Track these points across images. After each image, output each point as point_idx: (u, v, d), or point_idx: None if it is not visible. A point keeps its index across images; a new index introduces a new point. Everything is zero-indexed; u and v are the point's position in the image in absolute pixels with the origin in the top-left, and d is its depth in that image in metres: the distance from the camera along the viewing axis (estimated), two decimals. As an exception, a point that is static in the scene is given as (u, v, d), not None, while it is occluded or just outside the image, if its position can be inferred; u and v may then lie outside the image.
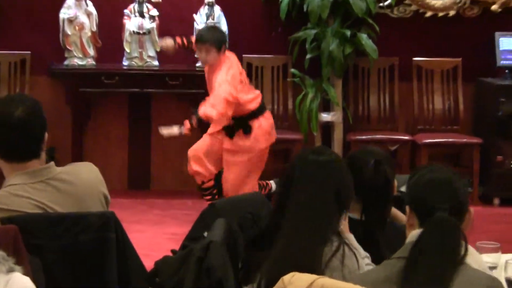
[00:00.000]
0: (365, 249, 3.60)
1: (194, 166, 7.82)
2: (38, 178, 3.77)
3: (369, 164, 3.95)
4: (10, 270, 2.81)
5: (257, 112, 7.71)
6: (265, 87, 9.13)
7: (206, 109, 7.47)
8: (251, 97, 7.69)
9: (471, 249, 3.17)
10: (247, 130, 7.66)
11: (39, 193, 3.74)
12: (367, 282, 3.05)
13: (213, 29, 8.08)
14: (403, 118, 9.34)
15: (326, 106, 8.97)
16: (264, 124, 7.70)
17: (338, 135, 9.01)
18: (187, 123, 7.53)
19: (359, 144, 8.66)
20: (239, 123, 7.70)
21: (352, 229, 3.68)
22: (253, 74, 9.10)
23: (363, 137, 8.89)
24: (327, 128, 9.03)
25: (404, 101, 9.29)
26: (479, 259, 3.27)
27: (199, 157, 7.86)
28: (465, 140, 8.97)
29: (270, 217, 3.63)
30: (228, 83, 7.50)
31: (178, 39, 7.95)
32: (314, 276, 3.00)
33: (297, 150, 8.74)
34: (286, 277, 3.00)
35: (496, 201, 8.69)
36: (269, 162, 8.70)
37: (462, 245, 3.01)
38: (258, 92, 7.90)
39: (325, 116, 8.90)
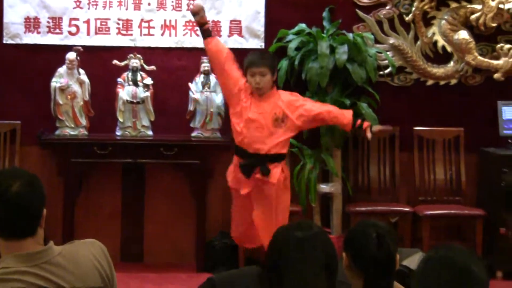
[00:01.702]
0: None
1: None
2: (33, 262, 3.62)
3: (372, 238, 3.87)
4: None
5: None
6: None
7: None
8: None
9: None
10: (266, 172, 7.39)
11: (32, 278, 3.60)
12: None
13: (266, 53, 8.08)
14: (404, 189, 9.23)
15: (325, 177, 8.85)
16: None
17: (337, 206, 8.89)
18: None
19: (359, 216, 8.61)
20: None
21: None
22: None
23: (363, 208, 8.76)
24: (326, 199, 8.91)
25: (405, 171, 9.24)
26: None
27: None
28: (467, 211, 8.83)
29: None
30: None
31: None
32: None
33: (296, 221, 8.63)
34: None
35: (499, 274, 8.58)
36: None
37: None
38: None
39: (324, 187, 8.79)
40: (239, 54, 8.49)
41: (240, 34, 8.98)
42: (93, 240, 3.91)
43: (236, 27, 8.98)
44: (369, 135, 7.53)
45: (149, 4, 8.92)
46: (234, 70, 7.51)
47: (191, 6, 7.84)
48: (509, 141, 8.89)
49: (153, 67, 8.68)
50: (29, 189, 3.64)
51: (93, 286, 3.70)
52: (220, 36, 8.87)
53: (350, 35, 8.69)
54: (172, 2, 8.94)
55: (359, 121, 7.49)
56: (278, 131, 7.33)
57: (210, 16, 8.76)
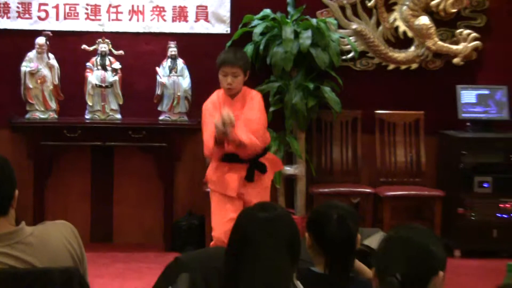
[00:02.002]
0: None
1: None
2: (4, 242, 3.69)
3: (333, 219, 3.98)
4: None
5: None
6: None
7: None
8: None
9: None
10: (264, 169, 7.25)
11: (4, 258, 3.67)
12: None
13: (240, 51, 7.75)
14: (365, 171, 9.35)
15: (289, 159, 8.98)
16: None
17: (301, 187, 9.01)
18: None
19: (322, 197, 8.73)
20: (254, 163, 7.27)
21: (316, 283, 3.82)
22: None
23: (326, 189, 8.88)
24: (290, 181, 9.04)
25: (367, 153, 9.32)
26: None
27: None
28: (427, 192, 8.99)
29: (225, 276, 3.51)
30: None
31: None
32: None
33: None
34: None
35: (457, 253, 8.70)
36: None
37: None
38: None
39: (288, 169, 8.89)
40: (206, 39, 9.06)
41: (206, 19, 9.07)
42: (63, 222, 3.93)
43: (202, 13, 9.05)
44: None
45: None
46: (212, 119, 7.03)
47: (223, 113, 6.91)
48: (468, 124, 9.04)
49: (121, 52, 8.77)
50: (1, 171, 3.69)
51: (64, 266, 3.73)
52: (186, 21, 9.06)
53: (314, 21, 8.80)
54: None
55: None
56: None
57: (177, 1, 9.04)
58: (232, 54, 7.46)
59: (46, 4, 8.95)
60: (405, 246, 3.16)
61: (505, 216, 8.86)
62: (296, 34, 8.65)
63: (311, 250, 4.03)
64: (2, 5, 8.95)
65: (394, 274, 3.06)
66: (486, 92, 9.23)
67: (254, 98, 7.23)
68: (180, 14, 9.04)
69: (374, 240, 4.93)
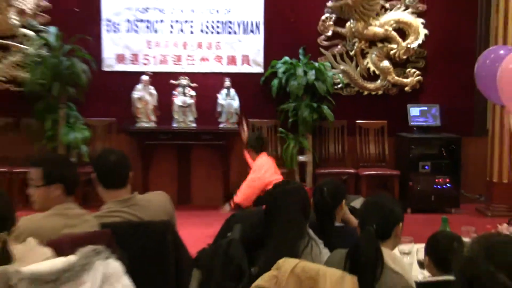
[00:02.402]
0: (320, 238, 3.77)
1: None
2: (125, 204, 3.91)
3: (318, 190, 4.21)
4: (108, 257, 2.85)
5: None
6: None
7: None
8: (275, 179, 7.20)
9: (394, 254, 3.31)
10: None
11: (125, 214, 3.89)
12: (329, 262, 3.34)
13: (254, 135, 7.88)
14: (350, 159, 9.76)
15: (302, 151, 9.45)
16: None
17: (309, 169, 9.52)
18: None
19: (323, 175, 9.23)
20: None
21: (313, 229, 3.81)
22: (255, 131, 9.28)
23: (325, 170, 9.43)
24: (303, 165, 9.51)
25: (351, 148, 9.76)
26: (401, 262, 3.28)
27: None
28: (389, 172, 9.52)
29: (263, 226, 3.70)
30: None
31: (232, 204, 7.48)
32: (296, 260, 3.19)
33: (284, 178, 8.65)
34: (279, 261, 3.19)
35: (409, 210, 9.06)
36: None
37: (379, 250, 3.10)
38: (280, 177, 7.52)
39: (301, 158, 9.46)
40: (248, 75, 9.64)
41: (248, 64, 9.65)
42: (161, 192, 4.24)
43: (246, 59, 9.64)
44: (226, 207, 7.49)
45: (192, 45, 9.58)
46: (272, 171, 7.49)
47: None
48: (414, 129, 9.54)
49: (195, 84, 9.35)
50: (121, 160, 3.97)
51: (162, 219, 3.96)
52: (235, 65, 9.61)
53: (316, 64, 9.45)
54: (206, 43, 9.61)
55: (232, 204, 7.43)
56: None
57: (229, 52, 9.56)
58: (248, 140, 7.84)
59: (147, 55, 9.54)
60: (377, 206, 3.35)
61: (439, 187, 9.32)
62: (305, 73, 9.24)
63: (313, 211, 4.13)
64: (120, 56, 9.56)
65: (371, 225, 3.24)
66: (425, 108, 9.64)
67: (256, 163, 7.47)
68: (232, 60, 9.61)
69: (357, 203, 4.77)
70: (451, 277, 3.42)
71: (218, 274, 3.50)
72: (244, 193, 7.40)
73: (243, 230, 3.75)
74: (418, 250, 3.97)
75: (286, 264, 3.17)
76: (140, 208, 3.95)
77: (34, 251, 3.07)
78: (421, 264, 3.80)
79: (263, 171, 7.41)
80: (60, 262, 2.80)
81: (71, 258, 2.82)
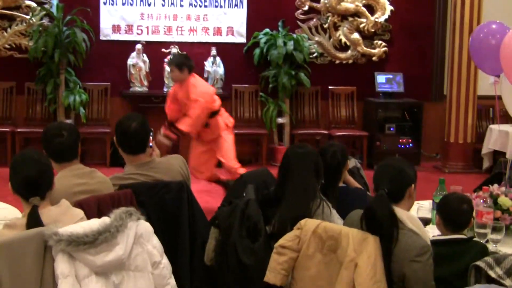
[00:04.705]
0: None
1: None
2: (144, 168, 3.86)
3: (329, 152, 3.98)
4: (138, 219, 2.82)
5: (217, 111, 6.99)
6: (245, 103, 9.61)
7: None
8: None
9: (411, 214, 3.19)
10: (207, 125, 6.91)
11: (142, 177, 3.82)
12: (348, 223, 3.21)
13: (178, 54, 7.56)
14: (323, 121, 9.78)
15: (280, 114, 9.47)
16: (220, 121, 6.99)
17: (287, 130, 9.56)
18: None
19: (299, 136, 9.37)
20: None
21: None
22: (238, 96, 9.57)
23: (301, 131, 9.51)
24: (281, 126, 9.54)
25: (324, 111, 9.80)
26: (418, 222, 3.16)
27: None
28: (358, 133, 9.57)
29: (276, 186, 3.61)
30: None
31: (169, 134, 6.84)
32: (318, 221, 3.12)
33: (264, 140, 9.34)
34: (301, 222, 3.10)
35: (376, 167, 8.83)
36: (246, 147, 9.24)
37: (392, 212, 3.00)
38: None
39: (280, 120, 9.49)
40: (232, 45, 9.57)
41: (232, 34, 9.60)
42: (178, 155, 4.20)
43: (230, 30, 9.59)
44: (162, 138, 6.75)
45: (181, 17, 9.47)
46: (172, 102, 7.01)
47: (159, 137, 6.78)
48: (381, 94, 9.62)
49: (184, 53, 8.72)
50: (141, 126, 3.83)
51: (178, 180, 3.89)
52: (221, 35, 9.53)
53: (294, 35, 9.51)
54: (195, 16, 9.51)
55: (170, 133, 6.81)
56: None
57: (215, 24, 9.51)
58: (172, 57, 7.48)
59: (141, 26, 9.46)
60: (389, 169, 3.20)
61: (402, 146, 9.39)
62: (284, 43, 9.26)
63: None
64: (116, 26, 9.42)
65: (383, 188, 3.08)
66: (391, 76, 9.69)
67: (193, 86, 6.78)
68: (217, 31, 9.58)
69: (351, 163, 4.42)
70: (461, 236, 3.40)
71: (235, 233, 3.40)
72: (195, 123, 6.77)
73: (256, 190, 3.64)
74: (419, 207, 3.93)
75: (308, 224, 3.09)
76: (158, 170, 3.89)
77: (68, 213, 2.95)
78: (424, 222, 3.60)
79: (211, 91, 7.04)
80: (95, 223, 2.74)
81: (106, 220, 2.77)
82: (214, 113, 6.96)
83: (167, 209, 3.77)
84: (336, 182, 3.99)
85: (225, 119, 7.12)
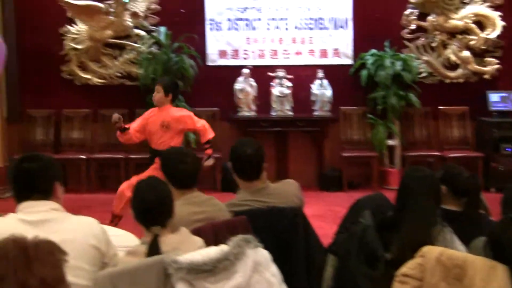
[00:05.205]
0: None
1: None
2: (258, 194, 3.80)
3: (464, 174, 3.80)
4: (256, 246, 2.78)
5: None
6: (353, 126, 9.54)
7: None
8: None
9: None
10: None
11: (256, 203, 3.77)
12: (473, 250, 3.13)
13: (170, 79, 6.97)
14: (435, 142, 9.51)
15: (390, 136, 9.35)
16: None
17: (398, 153, 9.44)
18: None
19: (410, 157, 9.19)
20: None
21: (454, 219, 3.53)
22: (347, 118, 9.51)
23: (412, 153, 9.31)
24: (391, 148, 9.43)
25: (435, 132, 9.54)
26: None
27: None
28: (473, 154, 9.21)
29: (394, 211, 3.50)
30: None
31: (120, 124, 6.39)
32: (441, 248, 2.99)
33: (374, 162, 9.22)
34: (423, 249, 2.98)
35: (493, 190, 8.67)
36: (356, 169, 9.21)
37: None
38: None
39: (390, 142, 9.38)
40: (339, 67, 9.51)
41: (338, 56, 9.57)
42: (292, 180, 4.09)
43: (336, 52, 9.56)
44: (208, 162, 6.47)
45: (287, 41, 9.50)
46: (139, 124, 6.54)
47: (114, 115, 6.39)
48: (495, 113, 9.25)
49: (291, 76, 9.32)
50: (257, 152, 3.81)
51: (292, 206, 3.81)
52: (327, 57, 9.52)
53: (402, 55, 9.40)
54: (300, 39, 9.53)
55: (208, 151, 6.51)
56: (165, 134, 6.41)
57: (321, 46, 9.47)
58: (161, 78, 7.15)
59: (247, 50, 9.56)
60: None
61: None
62: (392, 63, 9.17)
63: (445, 197, 3.69)
64: (222, 52, 9.56)
65: (509, 213, 3.05)
66: (505, 94, 9.39)
67: (180, 111, 6.59)
68: (323, 53, 9.56)
69: None
70: None
71: (354, 260, 3.33)
72: (209, 131, 6.59)
73: (372, 215, 3.50)
74: None
75: (431, 251, 2.96)
76: (273, 196, 3.83)
77: (187, 240, 2.98)
78: None
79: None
80: (214, 251, 2.74)
81: (224, 248, 2.75)
82: None
83: (281, 235, 3.70)
84: (477, 207, 3.78)
85: None
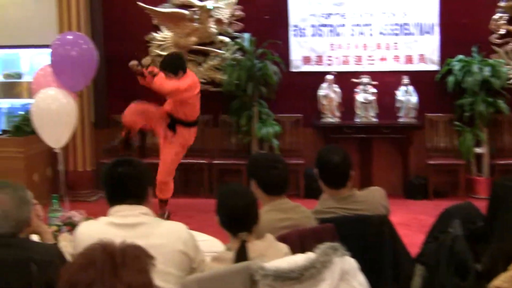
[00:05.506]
0: None
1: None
2: (344, 202, 3.78)
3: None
4: (344, 254, 2.75)
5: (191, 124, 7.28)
6: (439, 133, 9.33)
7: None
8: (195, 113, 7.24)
9: None
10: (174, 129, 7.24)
11: (341, 210, 3.76)
12: None
13: (169, 56, 7.46)
14: None
15: (478, 144, 9.13)
16: (184, 132, 7.26)
17: (486, 161, 9.17)
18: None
19: (500, 166, 8.94)
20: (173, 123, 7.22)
21: None
22: (433, 125, 9.31)
23: (502, 162, 9.04)
24: (479, 156, 9.19)
25: None
26: None
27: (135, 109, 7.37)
28: None
29: (484, 220, 3.46)
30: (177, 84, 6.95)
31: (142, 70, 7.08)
32: None
33: (461, 170, 9.01)
34: None
35: None
36: (443, 177, 9.02)
37: None
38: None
39: (478, 149, 9.15)
40: (424, 73, 9.30)
41: (424, 62, 9.40)
42: (378, 187, 4.04)
43: (422, 58, 9.40)
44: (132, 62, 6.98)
45: (371, 47, 9.41)
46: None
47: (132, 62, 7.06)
48: None
49: (375, 82, 9.28)
50: (344, 160, 3.76)
51: (378, 214, 3.74)
52: (412, 63, 9.34)
53: (490, 61, 9.14)
54: (385, 44, 9.42)
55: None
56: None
57: (406, 52, 9.32)
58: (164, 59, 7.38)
59: (331, 56, 9.49)
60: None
61: None
62: (480, 69, 8.96)
63: None
64: (306, 58, 9.53)
65: None
66: None
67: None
68: (408, 59, 9.41)
69: None
70: None
71: (443, 270, 3.29)
72: (161, 85, 6.99)
73: (462, 225, 3.45)
74: None
75: None
76: (359, 204, 3.81)
77: (273, 247, 2.99)
78: None
79: (187, 86, 7.04)
80: (300, 259, 2.72)
81: (311, 255, 2.72)
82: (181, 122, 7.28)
83: (368, 244, 3.66)
84: None
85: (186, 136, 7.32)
